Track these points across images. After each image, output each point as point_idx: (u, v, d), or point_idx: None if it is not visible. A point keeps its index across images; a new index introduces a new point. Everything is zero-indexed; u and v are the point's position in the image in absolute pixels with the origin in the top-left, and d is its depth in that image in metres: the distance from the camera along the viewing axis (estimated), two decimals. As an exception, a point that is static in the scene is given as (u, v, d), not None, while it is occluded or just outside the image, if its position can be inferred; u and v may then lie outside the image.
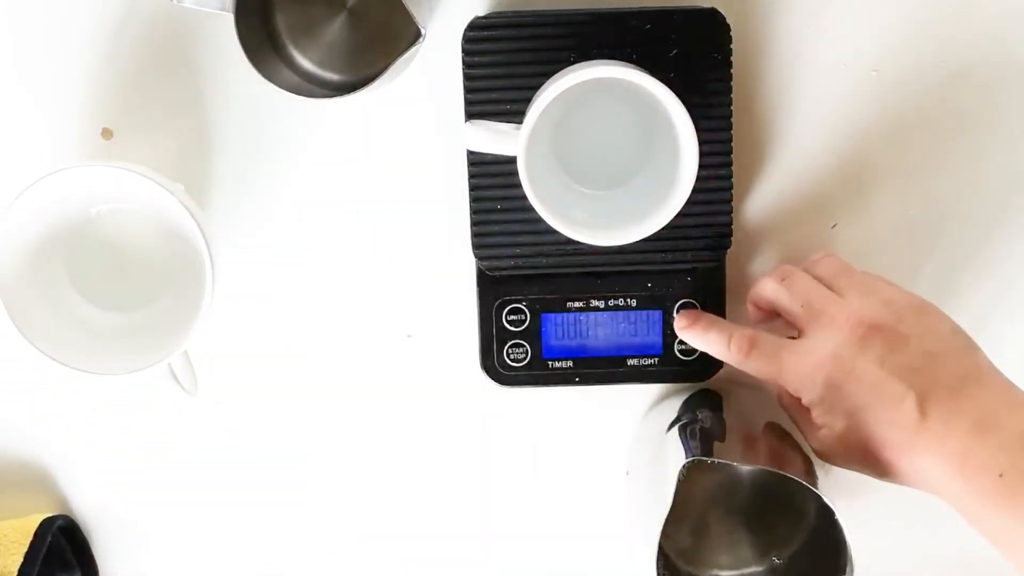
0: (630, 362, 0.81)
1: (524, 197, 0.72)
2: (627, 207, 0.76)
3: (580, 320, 0.81)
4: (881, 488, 0.71)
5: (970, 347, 0.71)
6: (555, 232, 0.73)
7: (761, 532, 0.80)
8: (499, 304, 0.81)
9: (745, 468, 0.78)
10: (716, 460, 0.74)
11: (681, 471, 0.72)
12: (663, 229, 0.73)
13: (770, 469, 0.73)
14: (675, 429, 0.78)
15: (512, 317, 0.81)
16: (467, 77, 0.78)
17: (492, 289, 0.81)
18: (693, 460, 0.73)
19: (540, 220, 0.73)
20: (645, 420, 0.84)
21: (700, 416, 0.77)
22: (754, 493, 0.80)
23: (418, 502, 0.86)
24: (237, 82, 0.81)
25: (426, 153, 0.82)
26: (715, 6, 0.78)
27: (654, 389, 0.84)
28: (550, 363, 0.81)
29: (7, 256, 0.76)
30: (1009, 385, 0.69)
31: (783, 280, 0.76)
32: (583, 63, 0.75)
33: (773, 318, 0.77)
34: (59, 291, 0.81)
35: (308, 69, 0.80)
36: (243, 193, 0.83)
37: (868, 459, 0.70)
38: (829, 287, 0.74)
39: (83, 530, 0.85)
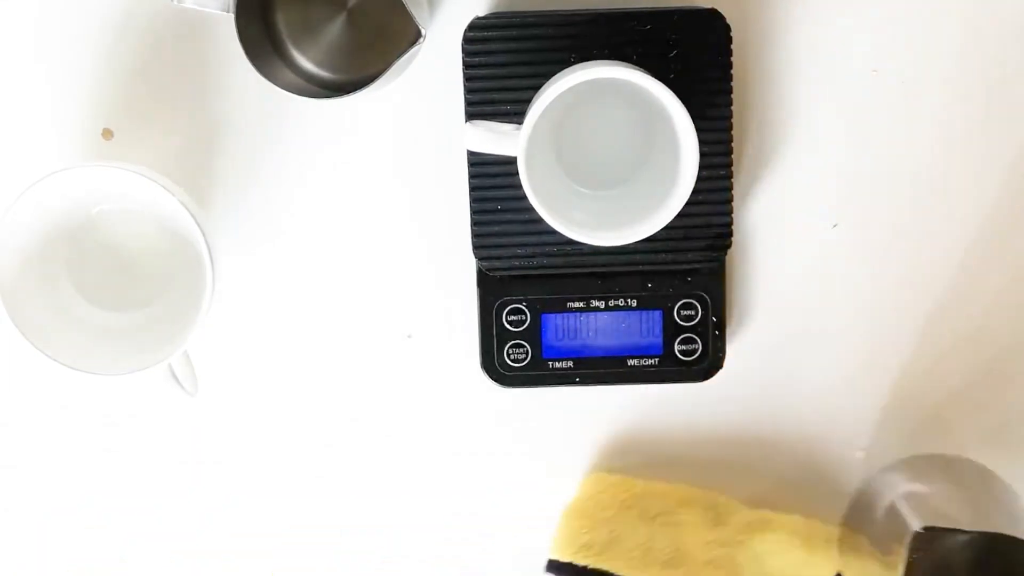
0: (630, 362, 0.81)
1: (524, 197, 0.72)
2: (627, 207, 0.76)
3: (580, 320, 0.81)
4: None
5: None
6: (555, 232, 0.73)
7: None
8: (499, 304, 0.81)
9: (973, 534, 0.74)
10: (947, 528, 0.72)
11: (911, 540, 0.71)
12: (663, 229, 0.73)
13: (1003, 534, 0.71)
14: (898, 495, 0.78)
15: (512, 317, 0.81)
16: (467, 77, 0.78)
17: (492, 289, 0.81)
18: (924, 528, 0.72)
19: (540, 220, 0.73)
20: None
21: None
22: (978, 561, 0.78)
23: (418, 502, 0.86)
24: (237, 82, 0.81)
25: (426, 153, 0.82)
26: (715, 6, 0.78)
27: (654, 389, 0.84)
28: (550, 363, 0.81)
29: (7, 256, 0.76)
30: None
31: None
32: (583, 63, 0.75)
33: None
34: (59, 291, 0.81)
35: (308, 69, 0.80)
36: (243, 193, 0.83)
37: None
38: None
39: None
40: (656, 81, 0.71)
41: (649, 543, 0.82)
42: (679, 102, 0.71)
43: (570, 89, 0.71)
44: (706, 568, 0.82)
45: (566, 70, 0.75)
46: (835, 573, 0.82)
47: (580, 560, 0.82)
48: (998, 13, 0.81)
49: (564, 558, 0.83)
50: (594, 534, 0.82)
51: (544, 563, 0.84)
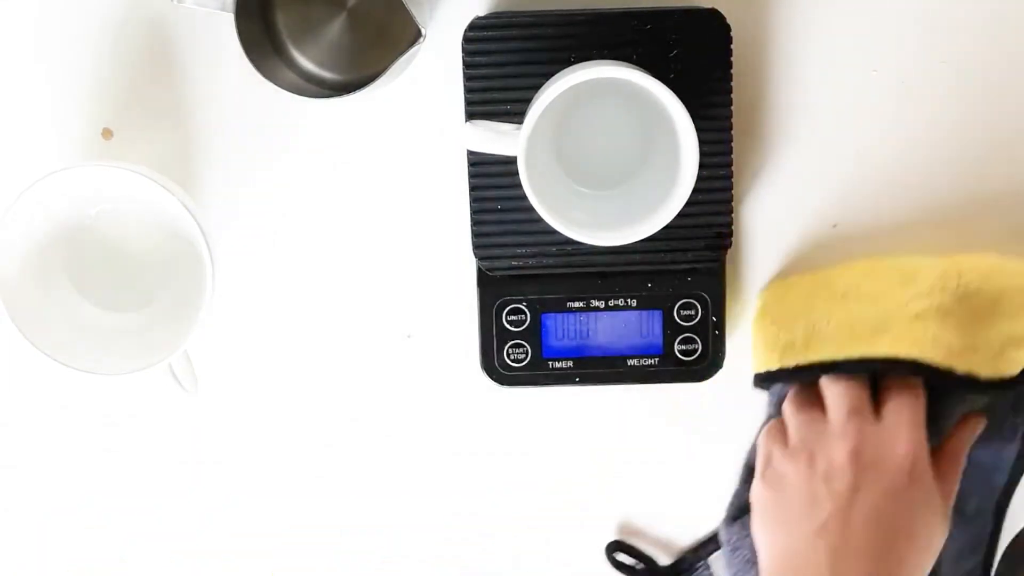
0: (630, 362, 0.81)
1: (524, 197, 0.72)
2: (627, 207, 0.76)
3: (580, 320, 0.81)
4: None
5: None
6: (555, 232, 0.73)
7: None
8: (499, 304, 0.81)
9: None
10: None
11: None
12: (663, 229, 0.73)
13: None
14: None
15: (512, 317, 0.81)
16: (467, 77, 0.78)
17: (492, 289, 0.81)
18: None
19: (540, 220, 0.73)
20: None
21: None
22: None
23: (418, 502, 0.86)
24: (237, 82, 0.81)
25: (426, 153, 0.82)
26: (715, 6, 0.78)
27: (654, 389, 0.84)
28: (550, 363, 0.81)
29: (7, 256, 0.76)
30: None
31: None
32: (583, 63, 0.75)
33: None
34: (59, 291, 0.81)
35: (308, 69, 0.80)
36: (243, 193, 0.83)
37: None
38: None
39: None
40: (656, 81, 0.71)
41: (849, 319, 0.77)
42: (679, 102, 0.71)
43: (570, 89, 0.71)
44: (915, 323, 0.76)
45: (566, 70, 0.75)
46: None
47: (788, 362, 0.78)
48: (998, 14, 0.81)
49: (772, 367, 0.79)
50: (793, 333, 0.78)
51: (752, 379, 0.81)
